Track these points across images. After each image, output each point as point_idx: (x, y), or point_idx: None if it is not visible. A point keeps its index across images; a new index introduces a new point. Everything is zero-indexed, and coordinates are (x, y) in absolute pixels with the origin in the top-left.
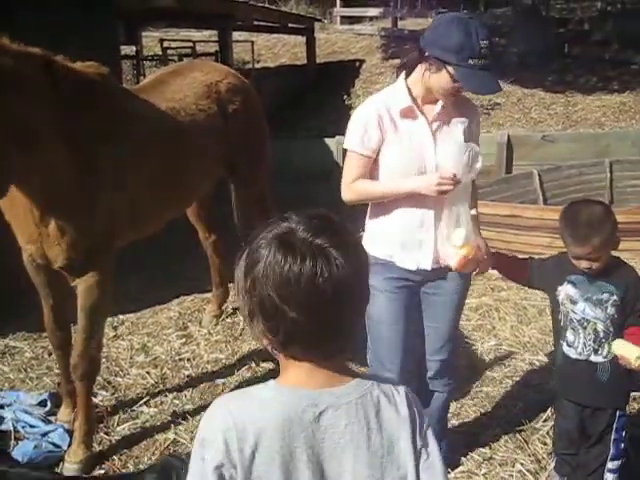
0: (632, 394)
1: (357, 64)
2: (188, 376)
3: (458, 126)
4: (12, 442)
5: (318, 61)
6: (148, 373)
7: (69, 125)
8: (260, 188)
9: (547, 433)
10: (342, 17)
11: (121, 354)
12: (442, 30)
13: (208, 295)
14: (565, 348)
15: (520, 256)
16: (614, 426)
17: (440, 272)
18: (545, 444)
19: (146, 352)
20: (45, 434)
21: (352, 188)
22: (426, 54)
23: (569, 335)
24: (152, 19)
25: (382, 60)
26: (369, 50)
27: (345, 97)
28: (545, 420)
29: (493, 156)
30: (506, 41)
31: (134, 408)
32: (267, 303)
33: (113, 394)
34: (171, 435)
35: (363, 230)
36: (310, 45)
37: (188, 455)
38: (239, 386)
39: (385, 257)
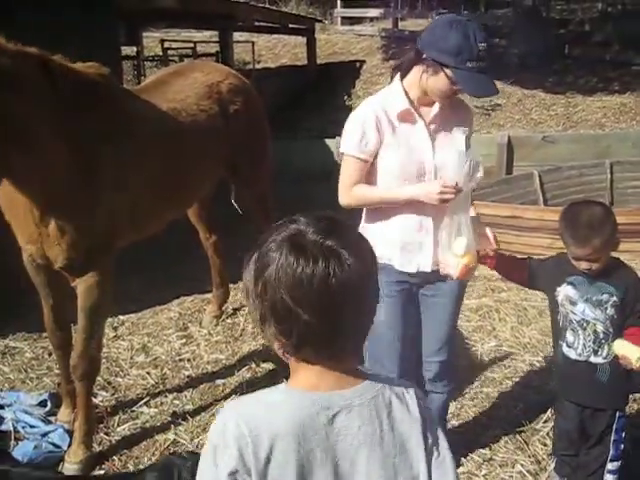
0: (631, 395)
1: (357, 65)
2: (188, 376)
3: (460, 135)
4: (12, 442)
5: (319, 62)
6: (148, 373)
7: (68, 125)
8: (261, 189)
9: (547, 434)
10: (343, 18)
11: (121, 354)
12: (440, 32)
13: (208, 296)
14: (565, 349)
15: (520, 257)
16: (614, 427)
17: (439, 274)
18: (545, 445)
19: (146, 352)
20: (45, 434)
21: (351, 193)
22: (423, 56)
23: (569, 336)
24: (153, 19)
25: (382, 61)
26: (369, 51)
27: (345, 98)
28: (545, 421)
29: (493, 157)
30: (506, 42)
31: (134, 408)
32: (279, 306)
33: (113, 394)
34: (171, 435)
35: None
36: (311, 46)
37: (188, 453)
38: (239, 387)
39: (384, 260)
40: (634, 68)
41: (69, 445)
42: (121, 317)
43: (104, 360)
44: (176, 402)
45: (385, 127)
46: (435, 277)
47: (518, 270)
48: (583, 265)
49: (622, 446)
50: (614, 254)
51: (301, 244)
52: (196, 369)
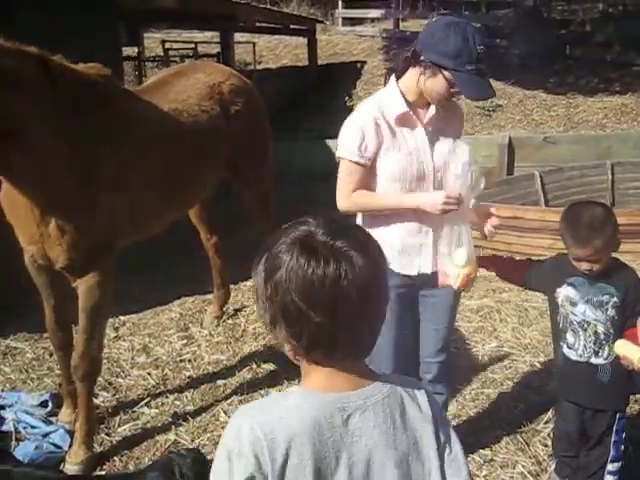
0: (632, 396)
1: (359, 65)
2: (189, 377)
3: (464, 146)
4: (13, 443)
5: (320, 62)
6: (149, 374)
7: (69, 125)
8: (263, 189)
9: (548, 435)
10: (344, 18)
11: (122, 355)
12: (439, 35)
13: (209, 296)
14: (565, 350)
15: (521, 257)
16: (614, 428)
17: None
18: (546, 446)
19: (147, 353)
20: (46, 435)
21: (352, 200)
22: (421, 58)
23: (569, 337)
24: (154, 20)
25: (384, 61)
26: (371, 51)
27: (347, 99)
28: (546, 422)
29: (494, 158)
30: (507, 43)
31: (135, 409)
32: (291, 308)
33: (114, 395)
34: (172, 436)
35: None
36: (312, 46)
37: (188, 450)
38: (240, 387)
39: None
40: (635, 69)
41: (70, 445)
42: (122, 317)
43: (105, 361)
44: (177, 403)
45: (384, 131)
46: (435, 278)
47: (517, 272)
48: (584, 266)
49: (622, 447)
50: (615, 255)
51: (312, 246)
52: (197, 370)
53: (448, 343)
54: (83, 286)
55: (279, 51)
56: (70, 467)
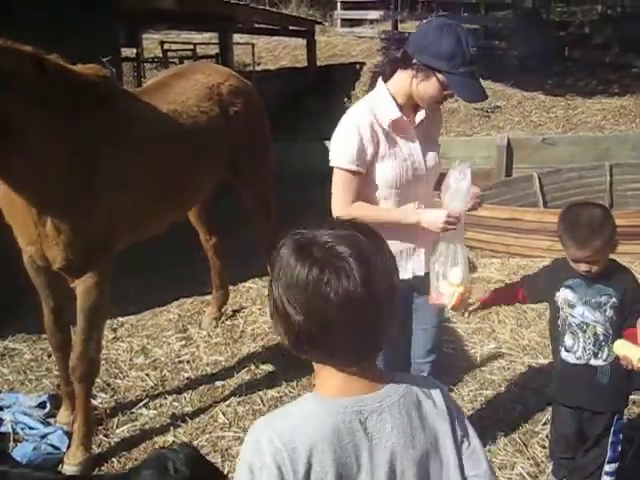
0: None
1: (357, 67)
2: (187, 378)
3: (466, 168)
4: (11, 444)
5: (319, 64)
6: (147, 375)
7: (66, 125)
8: (263, 190)
9: (546, 436)
10: (342, 20)
11: (120, 356)
12: (431, 36)
13: (208, 297)
14: (564, 354)
15: (518, 259)
16: (612, 429)
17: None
18: (544, 447)
19: (145, 354)
20: (44, 436)
21: (350, 213)
22: (413, 61)
23: (567, 340)
24: (153, 21)
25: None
26: (369, 53)
27: (345, 100)
28: (544, 423)
29: (493, 159)
30: (506, 44)
31: (133, 410)
32: (278, 304)
33: (112, 396)
34: (170, 437)
35: None
36: (311, 48)
37: (180, 445)
38: (238, 388)
39: None
40: (634, 70)
41: (68, 447)
42: (120, 319)
43: (103, 362)
44: (175, 404)
45: (380, 137)
46: (427, 279)
47: (516, 292)
48: (582, 267)
49: (619, 447)
50: (613, 256)
51: (308, 247)
52: (195, 371)
53: (438, 343)
54: (81, 287)
55: (278, 52)
56: (68, 468)
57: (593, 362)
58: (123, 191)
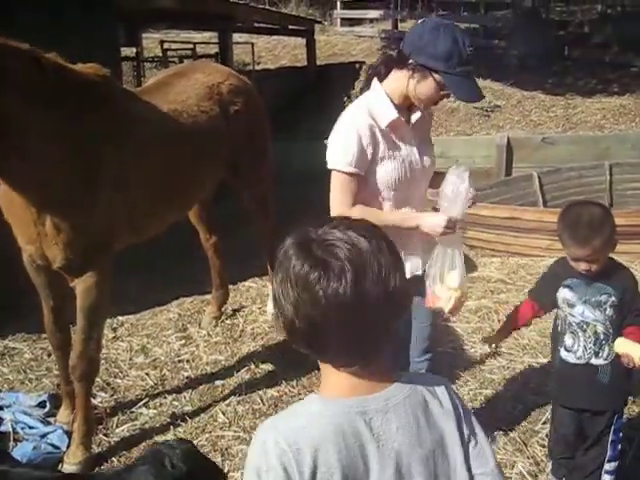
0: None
1: (357, 66)
2: (187, 377)
3: (464, 172)
4: (11, 443)
5: (318, 63)
6: (147, 374)
7: (65, 125)
8: (262, 190)
9: (546, 435)
10: (342, 19)
11: (120, 355)
12: (427, 37)
13: (208, 297)
14: (563, 354)
15: (518, 258)
16: (612, 428)
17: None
18: (544, 446)
19: (145, 353)
20: (44, 435)
21: (350, 215)
22: (409, 61)
23: (567, 340)
24: (152, 20)
25: None
26: (369, 52)
27: (345, 99)
28: (544, 422)
29: (493, 158)
30: (506, 43)
31: (133, 409)
32: (276, 297)
33: (112, 395)
34: (170, 437)
35: None
36: (310, 47)
37: (176, 440)
38: (238, 388)
39: None
40: (633, 70)
41: (68, 446)
42: (120, 318)
43: (103, 361)
44: (175, 403)
45: (379, 139)
46: (422, 279)
47: (527, 308)
48: (582, 266)
49: (619, 446)
50: (613, 256)
51: (308, 244)
52: (195, 370)
53: (433, 342)
54: (81, 286)
55: (278, 52)
56: (68, 467)
57: (594, 361)
58: (123, 191)
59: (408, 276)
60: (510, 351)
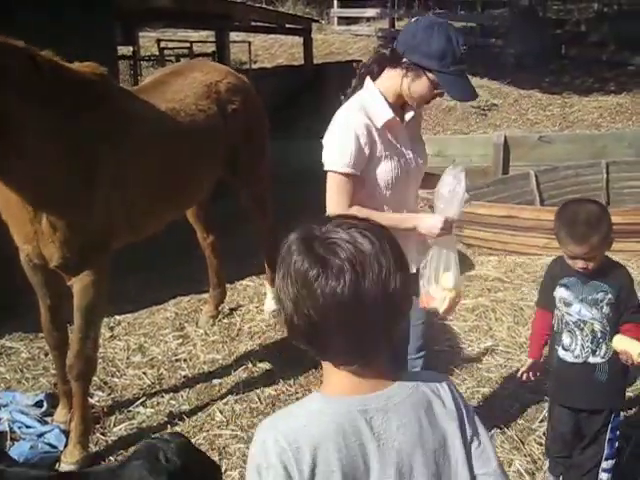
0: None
1: (354, 65)
2: (185, 376)
3: (461, 172)
4: (8, 443)
5: (315, 62)
6: (144, 373)
7: (62, 123)
8: (260, 188)
9: (543, 433)
10: (339, 18)
11: (117, 354)
12: (421, 35)
13: (205, 296)
14: (561, 353)
15: (515, 256)
16: (609, 426)
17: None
18: (541, 444)
19: (143, 352)
20: (41, 435)
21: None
22: (403, 60)
23: (565, 339)
24: (149, 19)
25: None
26: (366, 51)
27: (342, 98)
28: (541, 420)
29: (490, 157)
30: (503, 42)
31: (130, 409)
32: (278, 292)
33: (109, 394)
34: None
35: None
36: (307, 46)
37: (170, 434)
38: (235, 386)
39: None
40: (630, 68)
41: (65, 445)
42: (117, 317)
43: (100, 360)
44: (172, 402)
45: (375, 139)
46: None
47: (542, 320)
48: (579, 264)
49: (617, 444)
50: (610, 254)
51: (310, 241)
52: (192, 369)
53: (426, 340)
54: (78, 285)
55: (275, 50)
56: (65, 467)
57: (591, 360)
58: (120, 190)
59: None
60: (507, 349)
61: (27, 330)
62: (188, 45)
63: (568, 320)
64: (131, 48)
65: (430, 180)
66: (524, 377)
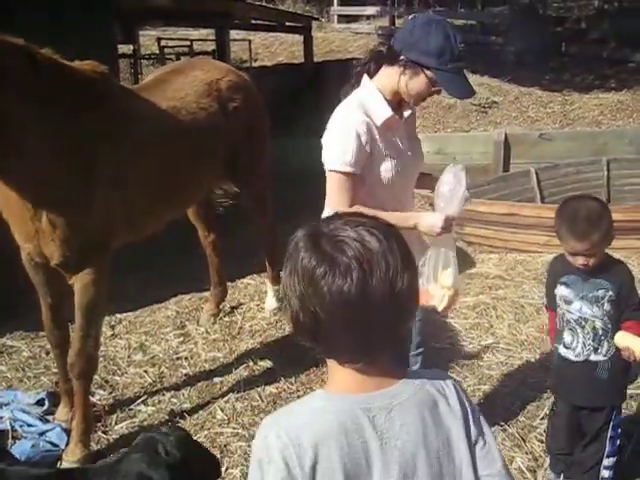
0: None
1: (354, 63)
2: (186, 375)
3: (461, 170)
4: (10, 441)
5: (315, 60)
6: (146, 372)
7: (62, 122)
8: (260, 187)
9: (544, 431)
10: (339, 16)
11: (119, 353)
12: (418, 33)
13: (206, 294)
14: (562, 350)
15: (516, 254)
16: (611, 424)
17: None
18: (542, 442)
19: (144, 351)
20: (43, 433)
21: None
22: (401, 57)
23: (566, 337)
24: (149, 18)
25: None
26: (366, 49)
27: (342, 96)
28: (542, 418)
29: (490, 154)
30: (503, 40)
31: (132, 407)
32: (284, 289)
33: (111, 393)
34: None
35: None
36: (307, 44)
37: (169, 427)
38: (237, 385)
39: None
40: (630, 65)
41: (67, 444)
42: (118, 316)
43: (101, 359)
44: (174, 400)
45: (375, 137)
46: None
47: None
48: (580, 261)
49: (618, 441)
50: (610, 251)
51: (317, 238)
52: (194, 367)
53: (424, 337)
54: (79, 283)
55: (275, 48)
56: (67, 465)
57: (593, 357)
58: (121, 189)
59: None
60: (508, 347)
61: (28, 329)
62: (188, 43)
63: (569, 318)
64: (131, 47)
65: (428, 180)
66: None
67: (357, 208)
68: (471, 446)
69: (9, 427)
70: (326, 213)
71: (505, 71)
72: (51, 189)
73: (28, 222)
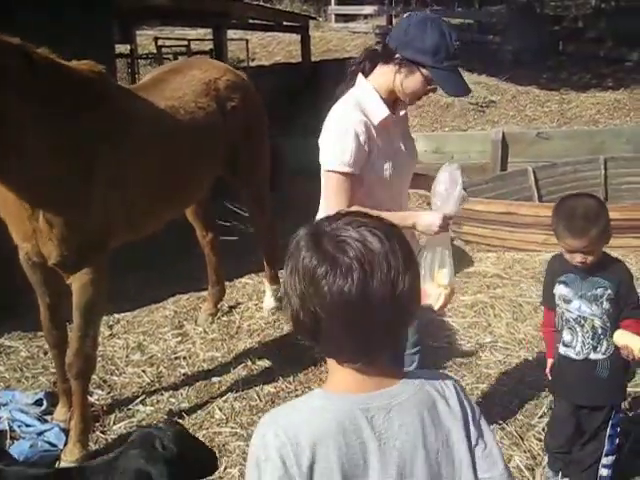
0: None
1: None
2: (184, 374)
3: (457, 169)
4: (8, 442)
5: (313, 59)
6: (144, 372)
7: (60, 122)
8: (259, 186)
9: (542, 429)
10: (337, 15)
11: (117, 353)
12: (414, 31)
13: (204, 293)
14: (562, 350)
15: (514, 253)
16: (610, 422)
17: None
18: (540, 440)
19: (142, 351)
20: (41, 433)
21: None
22: (396, 56)
23: (565, 336)
24: (147, 17)
25: None
26: (364, 48)
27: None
28: (540, 416)
29: (488, 153)
30: (501, 39)
31: (130, 407)
32: (285, 287)
33: (109, 393)
34: None
35: None
36: (305, 43)
37: (166, 423)
38: (235, 384)
39: None
40: (627, 64)
41: (65, 444)
42: (116, 315)
43: (100, 358)
44: (172, 400)
45: (373, 136)
46: None
47: (552, 317)
48: (577, 258)
49: (617, 440)
50: (608, 249)
51: (319, 237)
52: (192, 367)
53: (421, 335)
54: (77, 283)
55: (272, 48)
56: (65, 465)
57: (593, 356)
58: (119, 189)
59: None
60: (506, 345)
61: (26, 329)
62: (186, 43)
63: (568, 317)
64: (129, 46)
65: (422, 180)
66: (550, 377)
67: (355, 209)
68: (471, 447)
69: (7, 427)
70: (321, 214)
71: (502, 70)
72: (50, 189)
73: (26, 221)
